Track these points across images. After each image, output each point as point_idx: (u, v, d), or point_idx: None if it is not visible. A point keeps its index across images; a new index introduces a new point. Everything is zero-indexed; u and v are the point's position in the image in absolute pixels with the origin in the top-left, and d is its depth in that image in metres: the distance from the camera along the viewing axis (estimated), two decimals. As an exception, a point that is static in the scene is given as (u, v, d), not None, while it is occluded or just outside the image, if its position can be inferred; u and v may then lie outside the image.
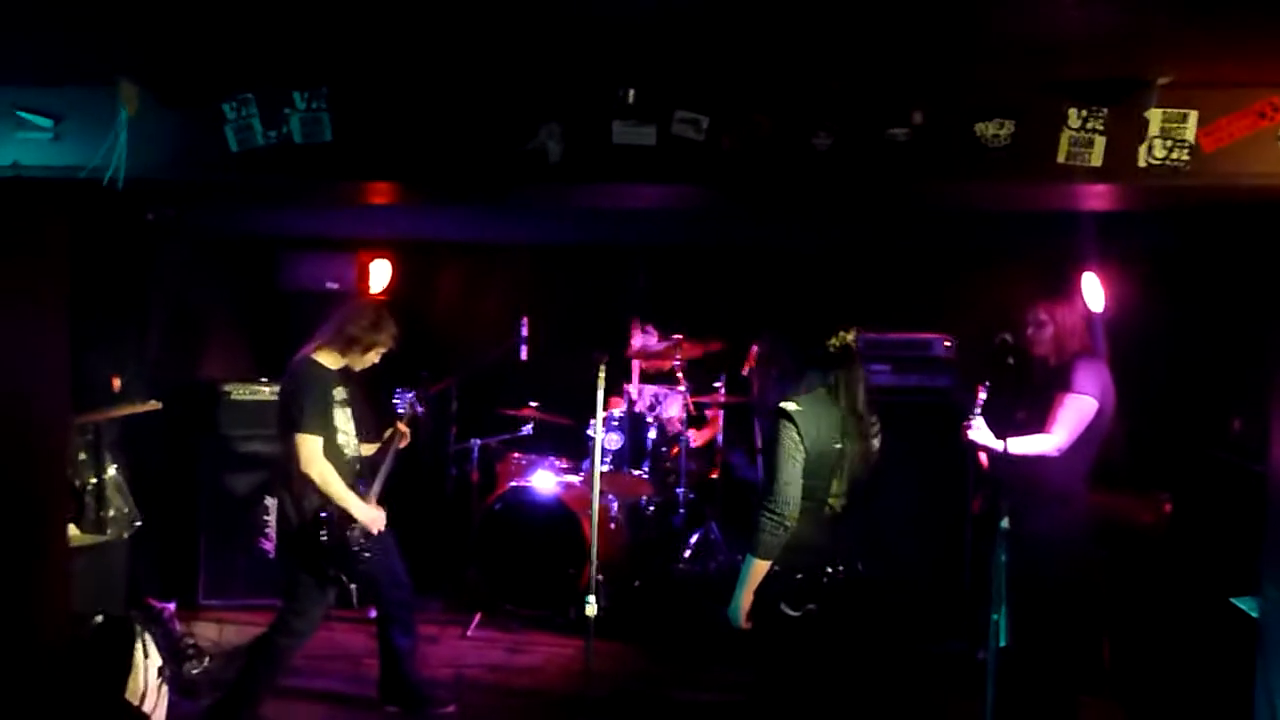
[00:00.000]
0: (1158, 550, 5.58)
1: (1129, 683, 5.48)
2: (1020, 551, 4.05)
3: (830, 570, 3.82)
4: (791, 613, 3.76)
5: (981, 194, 4.24)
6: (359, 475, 5.01)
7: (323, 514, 4.75)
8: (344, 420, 4.95)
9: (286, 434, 4.78)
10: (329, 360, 4.91)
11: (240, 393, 6.61)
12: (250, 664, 4.89)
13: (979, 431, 4.68)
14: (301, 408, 4.74)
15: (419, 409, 5.40)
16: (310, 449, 4.73)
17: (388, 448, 5.21)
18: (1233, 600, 4.61)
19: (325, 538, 4.75)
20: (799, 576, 3.77)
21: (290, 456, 4.75)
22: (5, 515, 4.44)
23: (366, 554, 4.85)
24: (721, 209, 5.67)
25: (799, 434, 3.69)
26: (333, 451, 4.82)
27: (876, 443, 3.95)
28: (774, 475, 3.70)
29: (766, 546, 3.70)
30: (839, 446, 3.78)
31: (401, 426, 5.26)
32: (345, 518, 4.80)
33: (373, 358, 5.01)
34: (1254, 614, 4.34)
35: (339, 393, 4.93)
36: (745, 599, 3.77)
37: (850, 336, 3.83)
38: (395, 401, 5.37)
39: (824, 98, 3.87)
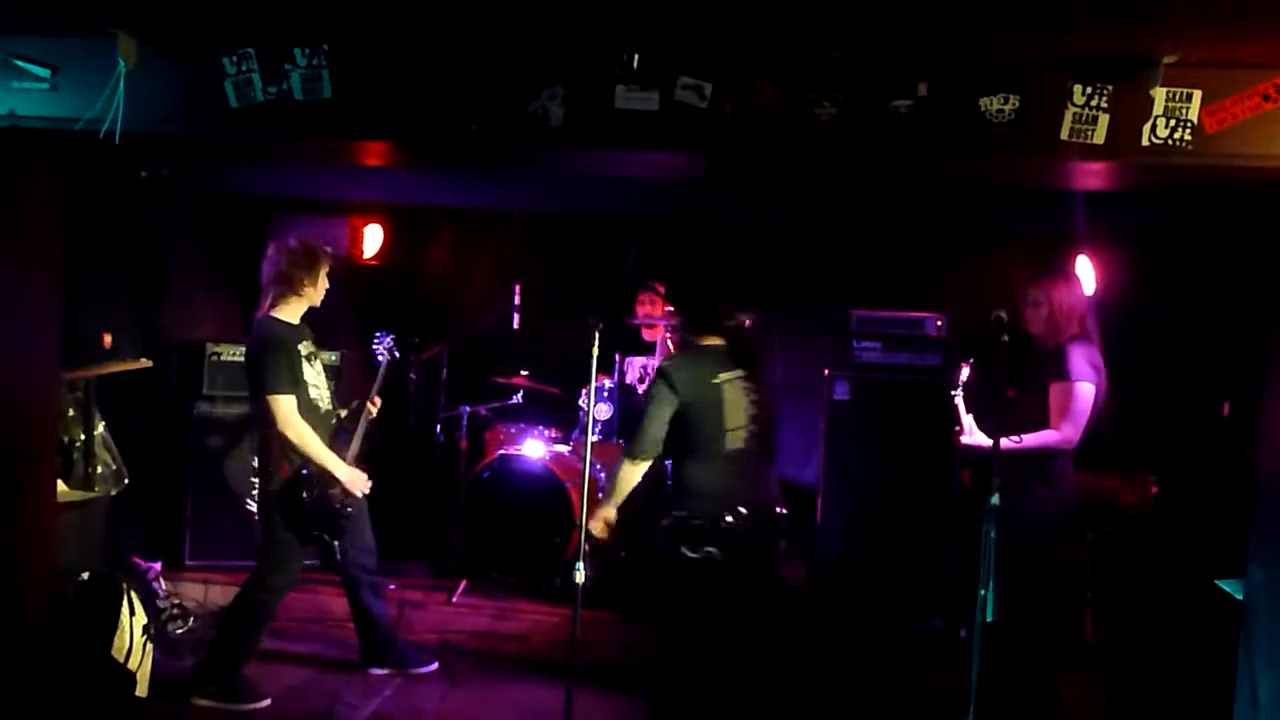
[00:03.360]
0: (1143, 532, 5.61)
1: (1111, 662, 5.52)
2: (1006, 529, 4.06)
3: (730, 516, 4.00)
4: (691, 554, 3.99)
5: (984, 169, 4.22)
6: (336, 431, 4.99)
7: (304, 472, 4.73)
8: (314, 375, 4.91)
9: (257, 396, 4.75)
10: (288, 314, 4.88)
11: (228, 353, 6.57)
12: (229, 623, 4.88)
13: (972, 434, 4.71)
14: (269, 368, 4.71)
15: (395, 354, 5.34)
16: (284, 409, 4.70)
17: (357, 417, 5.17)
18: (1217, 582, 4.64)
19: (307, 497, 4.73)
20: (697, 521, 4.00)
21: (265, 418, 4.72)
22: (-6, 469, 4.41)
23: (349, 510, 4.84)
24: (721, 179, 5.64)
25: (669, 384, 4.07)
26: (307, 408, 4.80)
27: (765, 398, 4.24)
28: (639, 420, 4.12)
29: (619, 477, 4.19)
30: (721, 381, 4.10)
31: (372, 397, 5.18)
32: (327, 476, 4.78)
33: (324, 286, 4.97)
34: (1238, 596, 4.36)
35: (305, 347, 4.90)
36: (599, 515, 4.30)
37: (744, 316, 4.27)
38: (374, 346, 5.33)
39: (828, 67, 3.85)
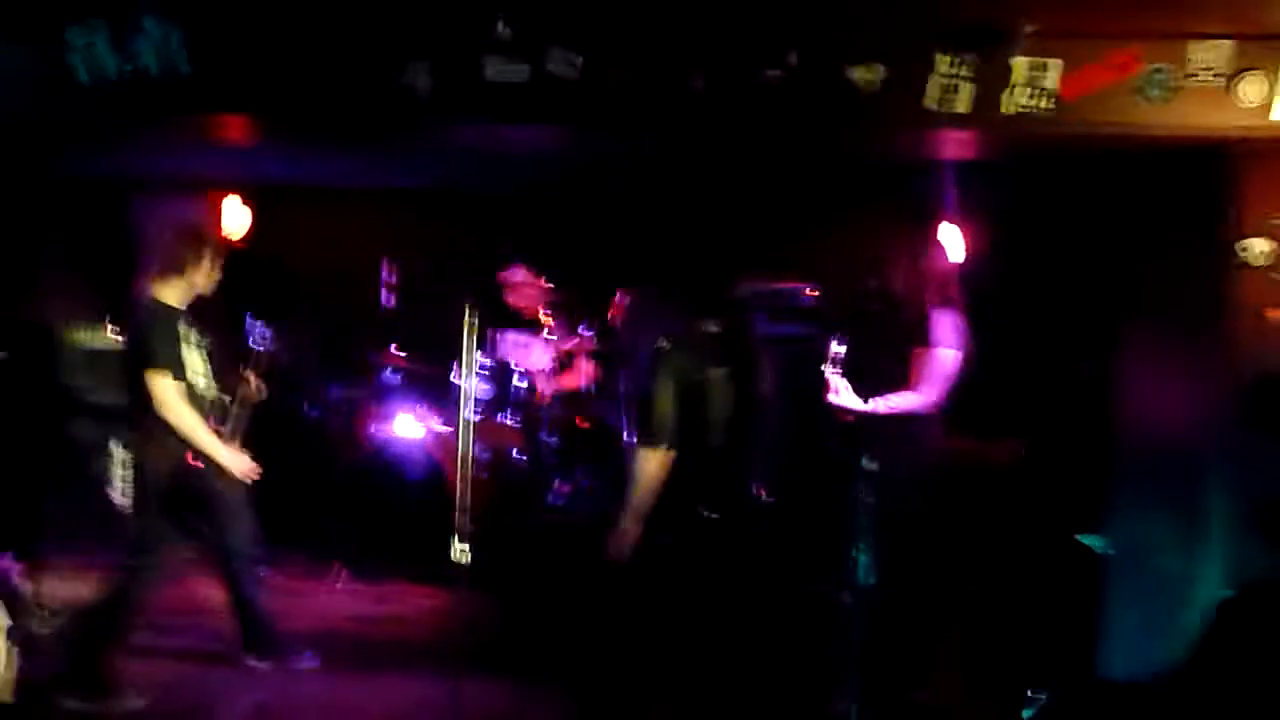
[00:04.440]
0: (1011, 491, 5.78)
1: (982, 617, 5.68)
2: (879, 492, 4.16)
3: (694, 506, 4.05)
4: (662, 542, 4.02)
5: (853, 139, 4.29)
6: (216, 416, 4.86)
7: (187, 459, 4.60)
8: (196, 360, 4.78)
9: (137, 377, 4.59)
10: (170, 297, 4.73)
11: (85, 338, 6.32)
12: (95, 616, 4.71)
13: (843, 395, 4.78)
14: (151, 347, 4.57)
15: (270, 342, 5.20)
16: (165, 390, 4.55)
17: (236, 401, 5.02)
18: (1079, 538, 4.82)
19: (186, 483, 4.60)
20: (673, 512, 4.01)
21: (144, 401, 4.57)
22: None
23: (228, 495, 4.72)
24: (595, 154, 5.61)
25: (671, 370, 4.02)
26: (188, 393, 4.66)
27: (754, 391, 4.23)
28: (650, 405, 4.01)
29: (639, 473, 4.01)
30: (702, 381, 4.07)
31: (252, 380, 5.06)
32: (210, 464, 4.65)
33: (212, 272, 4.82)
34: (1099, 550, 4.54)
35: (188, 332, 4.76)
36: (629, 528, 4.06)
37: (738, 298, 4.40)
38: (248, 332, 5.18)
39: (701, 37, 3.86)
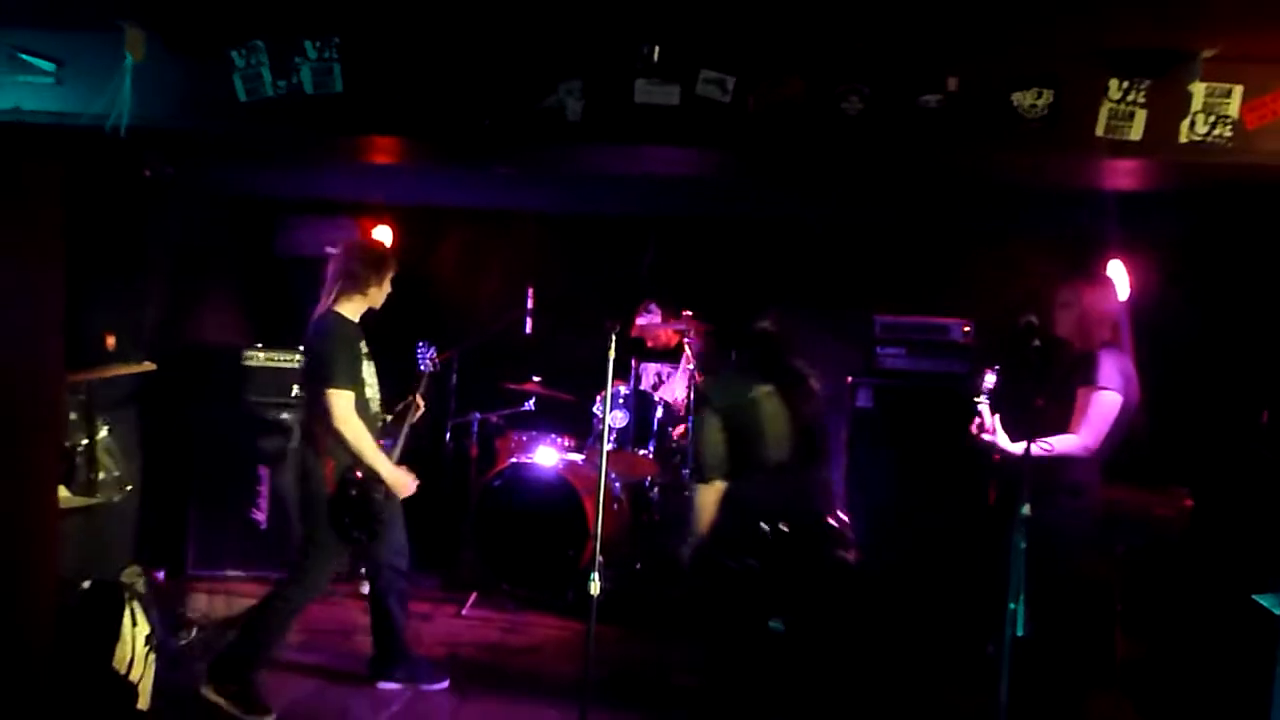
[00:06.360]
0: (1177, 546, 5.55)
1: (1141, 679, 5.46)
2: (1031, 541, 4.02)
3: (770, 527, 4.08)
4: (731, 566, 4.08)
5: (1015, 167, 4.20)
6: (383, 433, 5.00)
7: (353, 473, 4.72)
8: (370, 375, 4.94)
9: (316, 390, 4.73)
10: (349, 312, 4.89)
11: (255, 359, 6.59)
12: (254, 623, 4.84)
13: (995, 434, 4.65)
14: (333, 361, 4.71)
15: (438, 364, 5.42)
16: (344, 405, 4.69)
17: (402, 419, 5.18)
18: (1255, 597, 4.58)
19: (355, 495, 4.72)
20: (739, 533, 4.09)
21: (319, 413, 4.71)
22: (-5, 474, 4.39)
23: (385, 516, 4.84)
24: (743, 177, 5.61)
25: (707, 402, 4.22)
26: (361, 407, 4.79)
27: (806, 407, 4.30)
28: (697, 439, 4.25)
29: (696, 505, 4.20)
30: (757, 396, 4.19)
31: (417, 398, 5.24)
32: (374, 477, 4.77)
33: (386, 290, 4.99)
34: (1277, 611, 4.31)
35: (363, 346, 4.91)
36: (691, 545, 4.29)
37: (767, 323, 4.38)
38: (418, 354, 5.39)
39: (856, 60, 3.83)
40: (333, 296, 4.88)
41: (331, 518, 4.76)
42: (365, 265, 4.89)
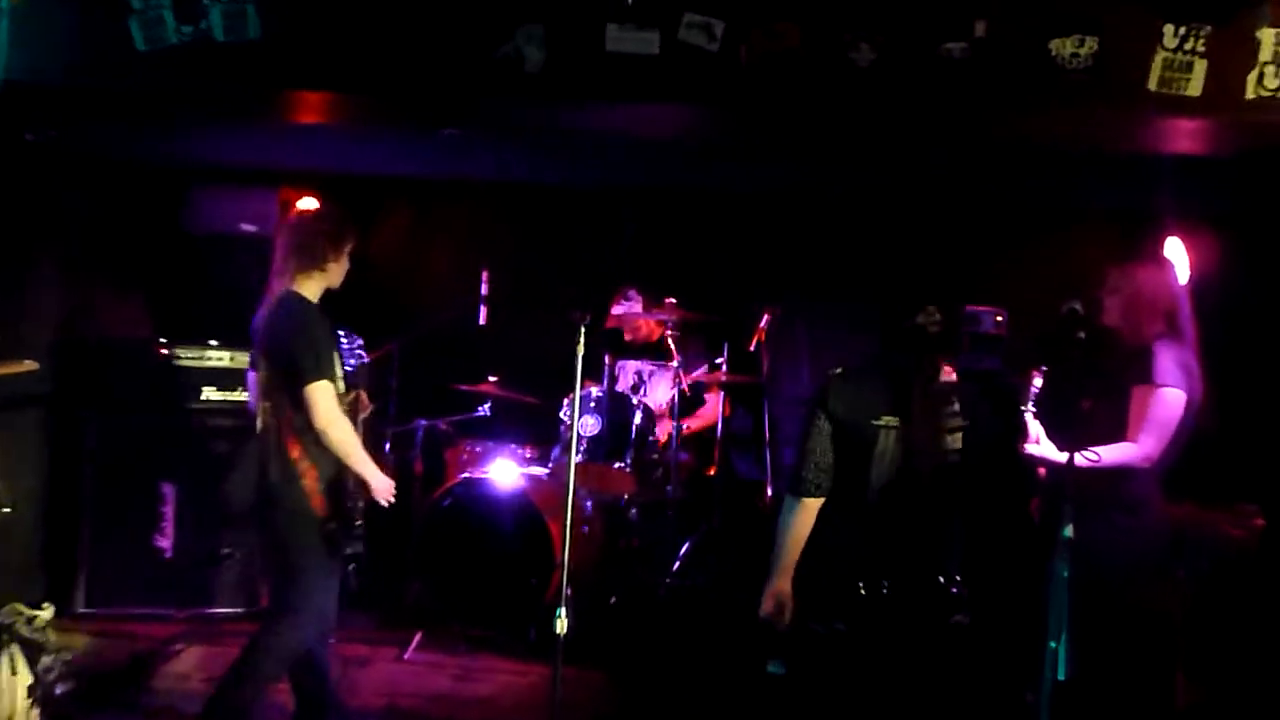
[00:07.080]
0: (1246, 572, 5.59)
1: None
2: (1081, 567, 4.03)
3: (867, 584, 3.83)
4: (815, 629, 3.82)
5: (1053, 128, 4.21)
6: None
7: (342, 481, 4.68)
8: (339, 367, 4.87)
9: (290, 388, 4.65)
10: (309, 292, 4.79)
11: (162, 354, 6.61)
12: (241, 677, 4.73)
13: (1040, 445, 4.66)
14: (306, 351, 4.60)
15: (365, 356, 5.29)
16: (327, 400, 4.60)
17: (354, 415, 5.11)
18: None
19: (350, 506, 4.68)
20: (826, 587, 3.83)
21: (292, 416, 4.64)
22: None
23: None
24: (735, 141, 5.62)
25: (824, 404, 3.88)
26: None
27: (952, 439, 3.94)
28: (803, 441, 3.90)
29: (781, 526, 3.91)
30: (881, 426, 3.85)
31: (361, 394, 5.15)
32: (359, 484, 4.72)
33: (345, 265, 4.92)
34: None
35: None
36: (768, 591, 3.92)
37: (934, 318, 4.02)
38: (340, 348, 5.27)
39: (866, 2, 3.84)
40: (289, 276, 4.82)
41: (324, 536, 4.67)
42: (322, 237, 4.80)
